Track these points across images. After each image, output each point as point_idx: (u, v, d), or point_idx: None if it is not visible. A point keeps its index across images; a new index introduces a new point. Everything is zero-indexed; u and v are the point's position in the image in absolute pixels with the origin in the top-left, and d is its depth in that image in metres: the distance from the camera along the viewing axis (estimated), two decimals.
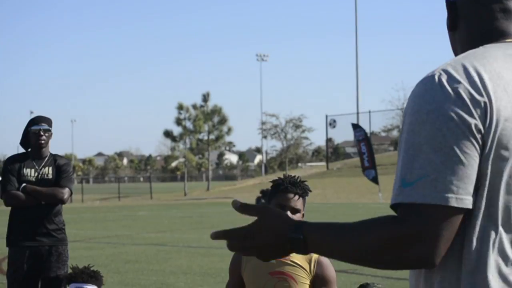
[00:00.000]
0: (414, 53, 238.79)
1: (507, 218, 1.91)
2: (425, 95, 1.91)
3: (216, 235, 2.10)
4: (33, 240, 6.92)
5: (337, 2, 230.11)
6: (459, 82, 1.89)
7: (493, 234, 1.90)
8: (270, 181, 4.15)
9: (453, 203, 1.86)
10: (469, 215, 1.90)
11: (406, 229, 1.89)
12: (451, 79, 1.90)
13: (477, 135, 1.86)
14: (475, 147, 1.86)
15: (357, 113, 68.38)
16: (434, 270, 1.94)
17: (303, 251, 2.02)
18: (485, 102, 1.87)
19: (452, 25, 2.16)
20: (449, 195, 1.86)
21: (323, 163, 79.17)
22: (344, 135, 69.98)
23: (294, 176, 4.09)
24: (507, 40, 2.07)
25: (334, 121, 67.77)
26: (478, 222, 1.90)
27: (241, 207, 2.11)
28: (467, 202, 1.86)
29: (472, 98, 1.87)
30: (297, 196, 3.97)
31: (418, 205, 1.88)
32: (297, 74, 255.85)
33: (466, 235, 1.90)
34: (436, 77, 1.92)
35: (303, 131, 75.71)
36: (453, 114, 1.86)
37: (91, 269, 6.03)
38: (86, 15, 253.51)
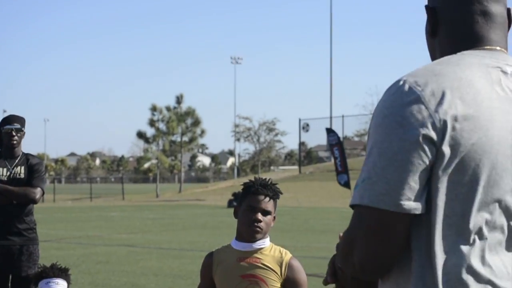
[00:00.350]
0: (388, 58, 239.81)
1: (465, 226, 1.88)
2: (386, 101, 1.93)
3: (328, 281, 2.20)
4: (4, 239, 6.89)
5: (312, 6, 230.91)
6: (421, 90, 1.89)
7: (449, 241, 1.87)
8: (242, 184, 4.18)
9: (388, 207, 1.85)
10: (421, 221, 1.88)
11: (343, 239, 1.94)
12: (414, 86, 1.90)
13: (426, 144, 1.85)
14: (421, 156, 1.85)
15: (331, 117, 68.36)
16: (404, 275, 1.92)
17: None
18: (445, 112, 1.86)
19: (432, 31, 2.13)
20: (385, 198, 1.85)
21: (296, 167, 79.22)
22: (317, 139, 70.28)
23: (265, 179, 4.12)
24: (486, 47, 2.05)
25: (307, 125, 67.73)
26: (433, 229, 1.87)
27: (329, 281, 2.19)
28: (406, 207, 1.84)
29: (430, 107, 1.86)
30: (267, 198, 4.01)
31: (357, 207, 1.90)
32: (271, 77, 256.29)
33: (419, 241, 1.89)
34: (401, 83, 1.93)
35: (276, 134, 75.70)
36: (404, 122, 1.86)
37: (59, 266, 6.02)
38: (60, 14, 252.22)
